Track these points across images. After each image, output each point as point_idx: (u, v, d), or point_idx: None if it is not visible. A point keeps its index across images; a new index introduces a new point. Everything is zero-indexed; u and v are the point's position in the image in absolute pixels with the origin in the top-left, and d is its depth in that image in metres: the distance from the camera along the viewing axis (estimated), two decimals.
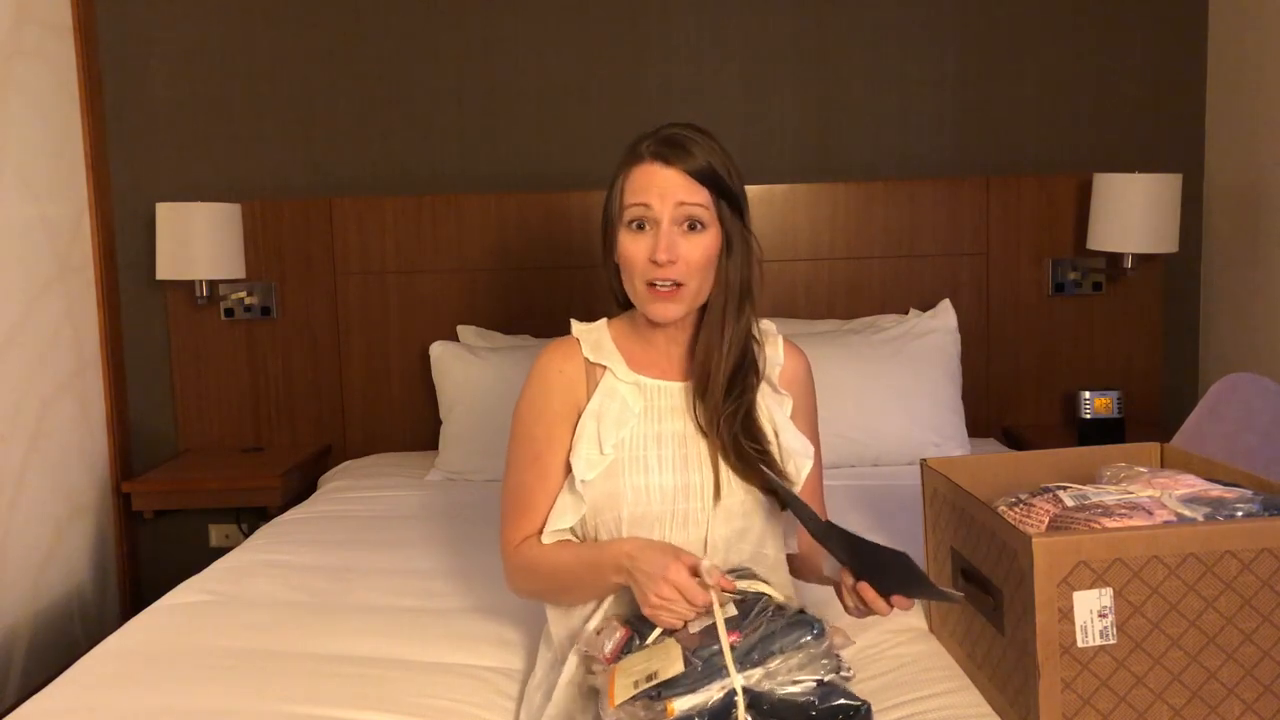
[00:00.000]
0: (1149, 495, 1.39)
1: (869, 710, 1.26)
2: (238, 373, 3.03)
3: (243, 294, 3.00)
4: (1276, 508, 1.32)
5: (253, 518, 2.93)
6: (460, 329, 2.94)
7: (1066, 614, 1.25)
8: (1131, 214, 2.74)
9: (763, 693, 1.22)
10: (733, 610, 1.28)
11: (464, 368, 2.77)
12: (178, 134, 3.02)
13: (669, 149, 1.39)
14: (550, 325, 2.90)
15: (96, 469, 2.91)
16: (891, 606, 1.30)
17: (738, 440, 1.42)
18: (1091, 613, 1.25)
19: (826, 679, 1.24)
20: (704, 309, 1.45)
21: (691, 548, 1.41)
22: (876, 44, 2.99)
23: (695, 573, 1.29)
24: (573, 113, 3.01)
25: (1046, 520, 1.40)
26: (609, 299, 1.53)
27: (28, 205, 2.65)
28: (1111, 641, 1.25)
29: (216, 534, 3.08)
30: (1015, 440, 2.91)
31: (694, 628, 1.28)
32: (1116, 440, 2.68)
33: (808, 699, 1.22)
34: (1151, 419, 2.97)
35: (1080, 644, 1.25)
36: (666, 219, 1.38)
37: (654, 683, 1.22)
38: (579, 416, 1.47)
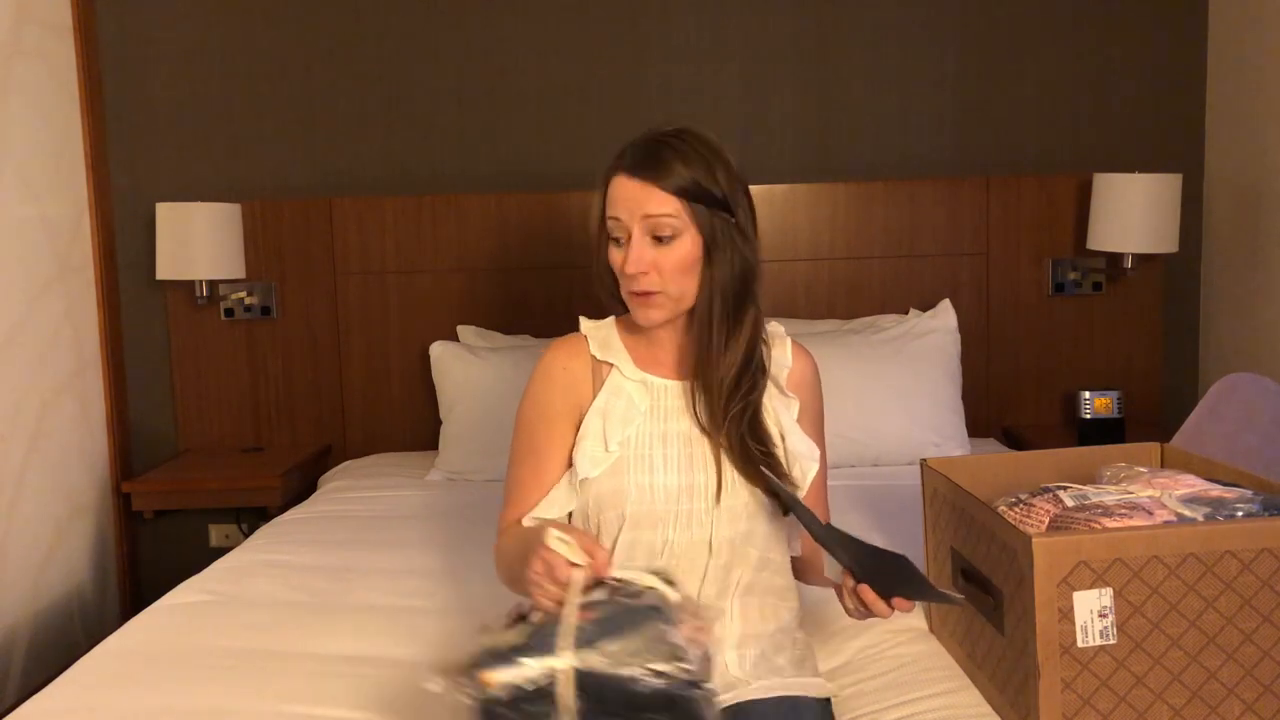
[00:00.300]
0: (1149, 495, 1.39)
1: (704, 701, 1.14)
2: (238, 373, 3.03)
3: (243, 294, 3.00)
4: (1276, 508, 1.32)
5: (253, 518, 2.93)
6: (460, 329, 2.94)
7: (1066, 614, 1.25)
8: (1131, 214, 2.74)
9: (589, 672, 1.12)
10: (600, 596, 1.18)
11: (464, 368, 2.77)
12: (178, 134, 3.02)
13: (637, 159, 1.39)
14: (550, 325, 2.90)
15: (96, 469, 2.91)
16: (893, 609, 1.29)
17: (744, 441, 1.41)
18: (1091, 613, 1.25)
19: (663, 668, 1.11)
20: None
21: (695, 549, 1.40)
22: (876, 44, 2.99)
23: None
24: (573, 113, 3.01)
25: (1046, 520, 1.40)
26: (604, 299, 1.52)
27: (28, 205, 2.65)
28: (1111, 641, 1.25)
29: (216, 534, 3.08)
30: (1015, 440, 2.91)
31: None
32: (1116, 440, 2.68)
33: (638, 684, 1.12)
34: (1151, 419, 2.97)
35: (1080, 644, 1.25)
36: (636, 231, 1.38)
37: (485, 652, 1.14)
38: (581, 414, 1.47)
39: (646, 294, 1.39)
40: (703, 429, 1.43)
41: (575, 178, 2.98)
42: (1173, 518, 1.33)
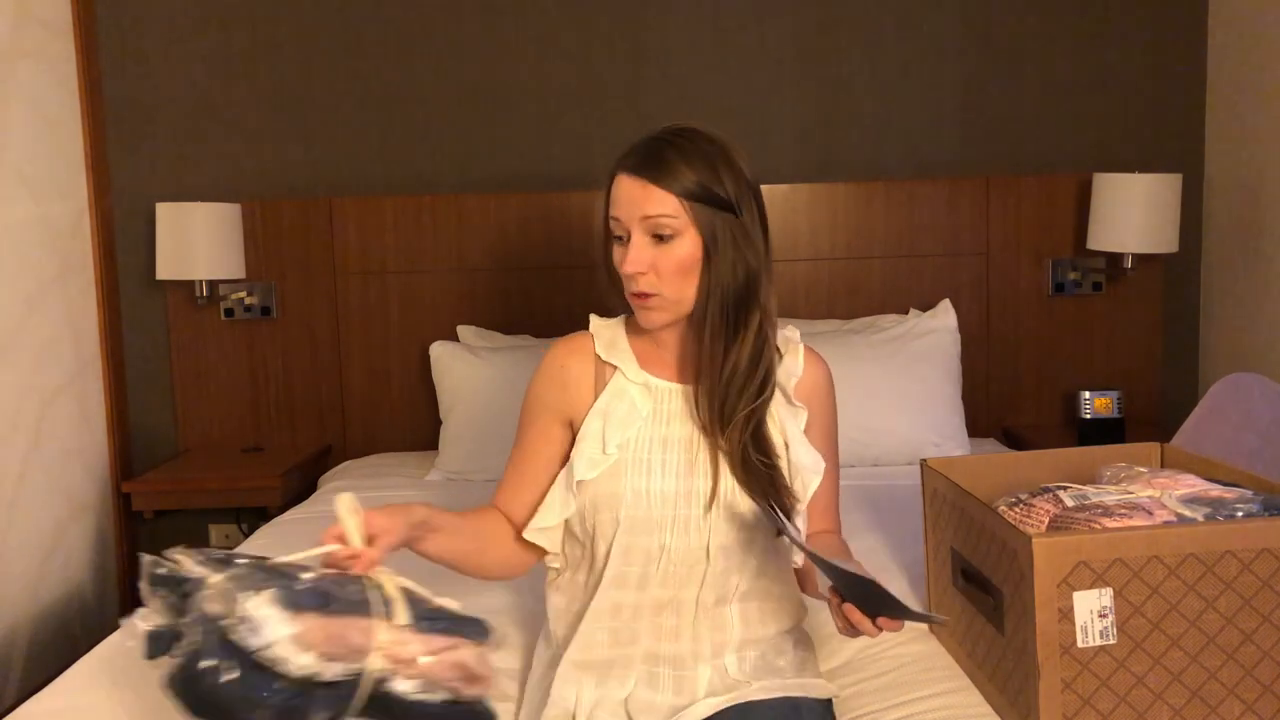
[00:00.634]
0: (1149, 495, 1.39)
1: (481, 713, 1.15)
2: (238, 373, 3.03)
3: (243, 294, 3.00)
4: (1276, 508, 1.32)
5: (253, 518, 2.93)
6: (460, 329, 2.94)
7: (1066, 614, 1.25)
8: (1131, 214, 2.74)
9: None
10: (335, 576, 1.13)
11: (464, 368, 2.77)
12: (178, 134, 3.02)
13: (638, 158, 1.38)
14: (550, 325, 2.90)
15: (96, 469, 2.91)
16: (879, 629, 1.26)
17: (746, 450, 1.39)
18: (1091, 613, 1.25)
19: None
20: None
21: (692, 555, 1.39)
22: (876, 44, 2.99)
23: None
24: (573, 113, 3.01)
25: (1046, 520, 1.40)
26: (610, 299, 1.51)
27: (28, 205, 2.65)
28: (1111, 641, 1.25)
29: (216, 534, 3.08)
30: (1015, 440, 2.91)
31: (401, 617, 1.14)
32: (1116, 440, 2.68)
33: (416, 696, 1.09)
34: (1151, 419, 2.97)
35: (1080, 644, 1.25)
36: (635, 231, 1.37)
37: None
38: (577, 413, 1.46)
39: (644, 296, 1.39)
40: (705, 434, 1.42)
41: (575, 178, 2.98)
42: (1173, 518, 1.33)
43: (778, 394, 1.45)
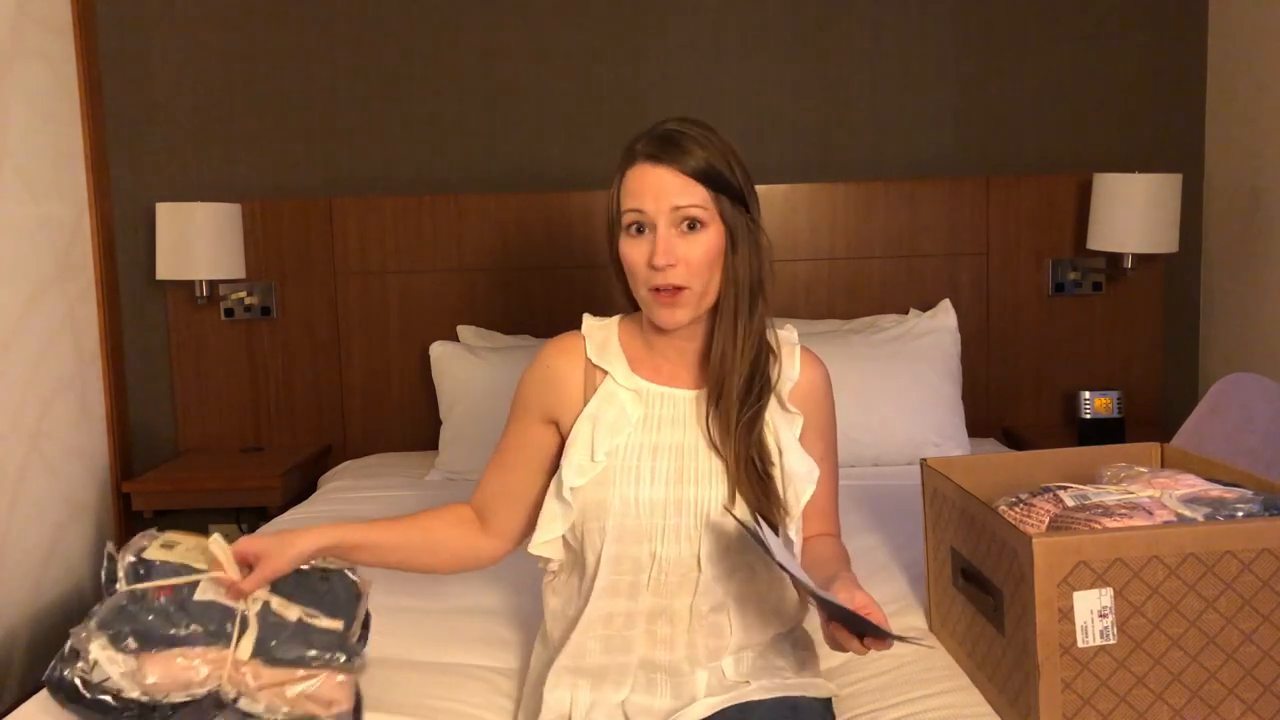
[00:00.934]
0: (1149, 495, 1.39)
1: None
2: (238, 373, 3.03)
3: (243, 294, 3.00)
4: (1276, 508, 1.32)
5: (253, 518, 2.93)
6: (460, 329, 2.94)
7: (1066, 614, 1.25)
8: (1131, 214, 2.74)
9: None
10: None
11: (464, 368, 2.77)
12: (178, 134, 3.02)
13: (662, 148, 1.35)
14: (550, 325, 2.87)
15: (96, 469, 2.91)
16: (867, 648, 1.25)
17: (749, 453, 1.38)
18: (1092, 613, 1.25)
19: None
20: (714, 312, 1.40)
21: (684, 564, 1.38)
22: (876, 43, 2.99)
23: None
24: (573, 113, 3.01)
25: (1046, 520, 1.39)
26: (610, 299, 1.50)
27: (28, 205, 2.65)
28: (1111, 641, 1.25)
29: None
30: (1015, 440, 2.91)
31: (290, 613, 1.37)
32: (1116, 440, 2.68)
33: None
34: (1151, 419, 2.97)
35: (1080, 644, 1.25)
36: (663, 222, 1.34)
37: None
38: (564, 416, 1.44)
39: (675, 291, 1.35)
40: (709, 440, 1.40)
41: (575, 178, 2.98)
42: (1173, 518, 1.33)
43: (772, 400, 1.43)
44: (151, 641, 1.30)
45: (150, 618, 1.31)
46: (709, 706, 1.37)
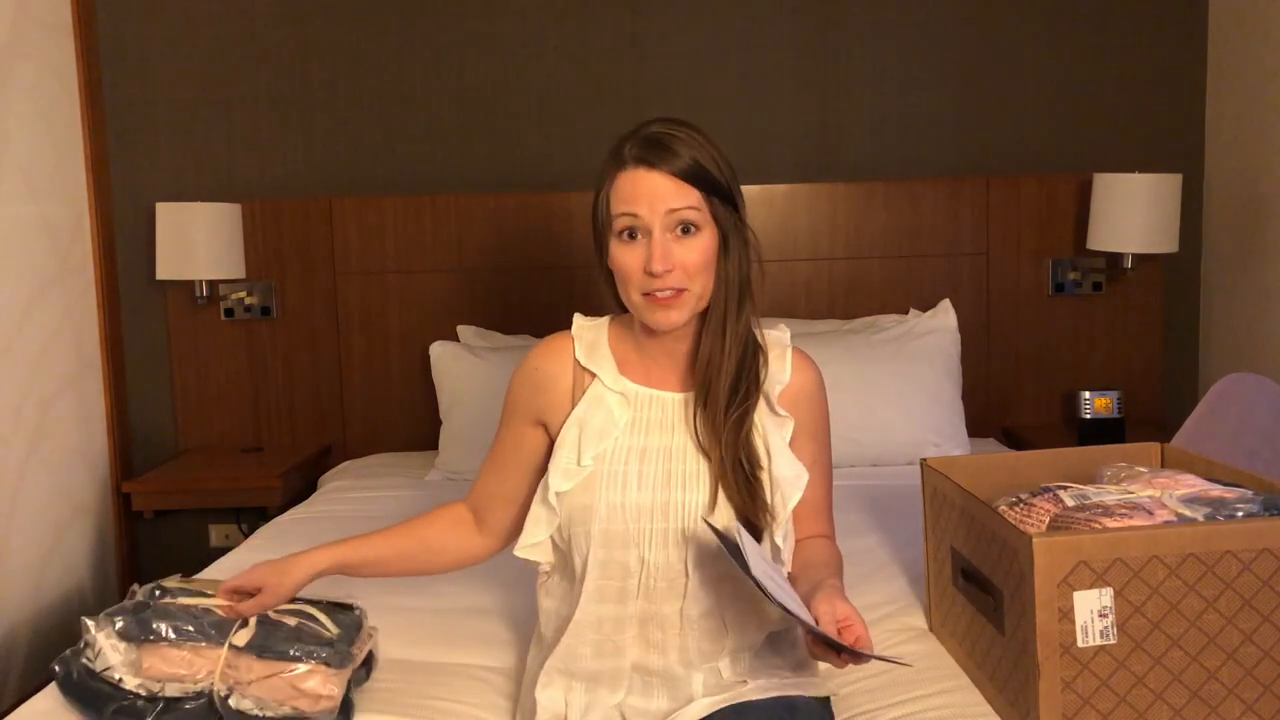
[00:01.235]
0: (1149, 495, 1.39)
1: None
2: (238, 373, 3.03)
3: (243, 294, 3.00)
4: (1276, 508, 1.32)
5: (253, 518, 2.92)
6: (460, 329, 2.94)
7: (1066, 614, 1.25)
8: (1131, 214, 2.74)
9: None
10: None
11: (464, 368, 2.77)
12: (178, 134, 3.02)
13: (652, 150, 1.33)
14: (550, 325, 2.83)
15: (96, 469, 2.91)
16: (845, 663, 1.24)
17: (737, 456, 1.37)
18: (1092, 613, 1.25)
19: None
20: (704, 313, 1.39)
21: (672, 569, 1.37)
22: (876, 44, 2.99)
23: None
24: (572, 113, 3.01)
25: (1046, 520, 1.39)
26: (609, 300, 1.50)
27: (28, 205, 2.65)
28: (1111, 641, 1.25)
29: (216, 534, 3.08)
30: (1015, 440, 2.91)
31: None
32: (1116, 440, 2.68)
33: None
34: (1151, 419, 2.97)
35: (1080, 644, 1.25)
36: (658, 227, 1.32)
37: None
38: (553, 418, 1.44)
39: (675, 293, 1.33)
40: (696, 443, 1.39)
41: (575, 178, 2.98)
42: (1173, 518, 1.33)
43: (761, 403, 1.41)
44: (152, 634, 1.38)
45: (156, 615, 1.40)
46: (706, 706, 1.36)
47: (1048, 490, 1.45)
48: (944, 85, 3.00)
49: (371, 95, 3.01)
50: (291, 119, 3.02)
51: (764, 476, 1.38)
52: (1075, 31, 2.98)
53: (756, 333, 1.43)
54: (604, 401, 1.41)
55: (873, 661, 1.24)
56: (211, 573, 2.05)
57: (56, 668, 1.43)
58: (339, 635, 1.43)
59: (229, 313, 3.00)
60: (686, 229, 1.34)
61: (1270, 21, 2.70)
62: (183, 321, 3.01)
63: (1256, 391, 1.85)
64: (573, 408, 1.43)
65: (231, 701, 1.36)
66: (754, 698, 1.36)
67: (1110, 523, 1.32)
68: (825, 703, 1.42)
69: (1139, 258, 2.85)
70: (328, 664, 1.38)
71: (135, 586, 1.50)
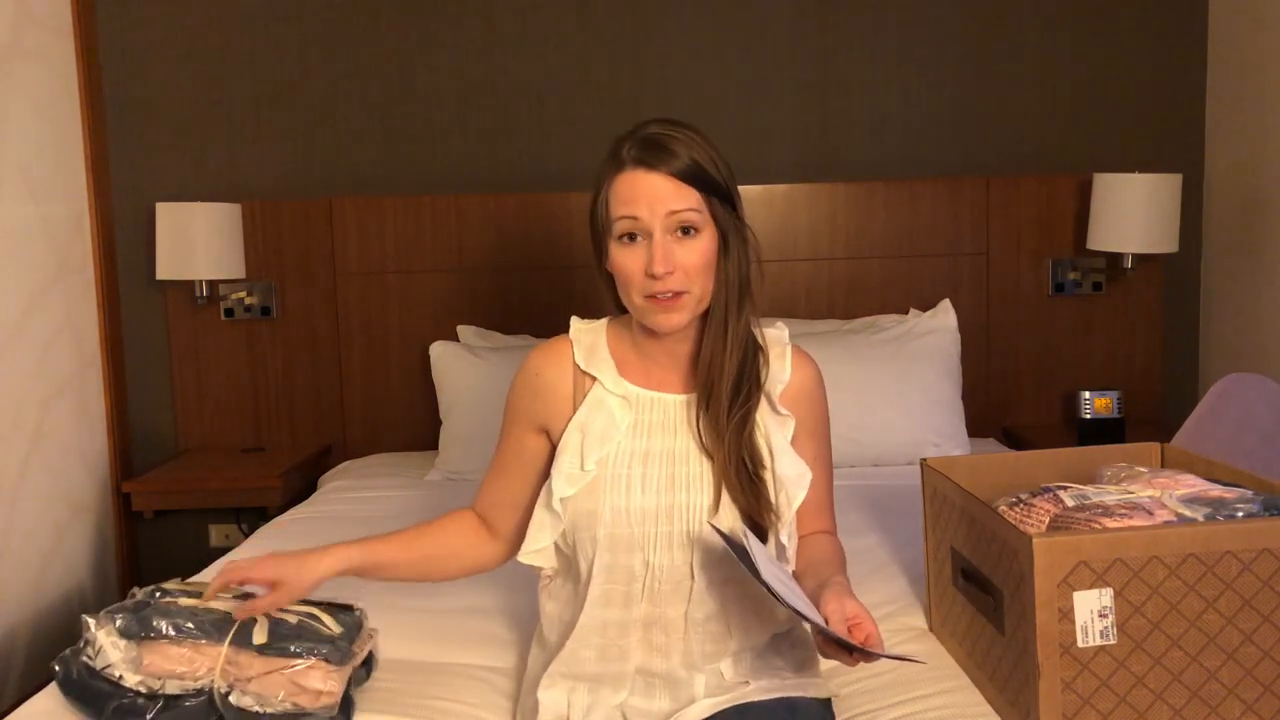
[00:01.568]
0: (1149, 495, 1.39)
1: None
2: (238, 373, 3.03)
3: (243, 294, 3.00)
4: (1276, 508, 1.32)
5: (253, 518, 2.93)
6: (460, 329, 2.94)
7: (1066, 614, 1.25)
8: (1131, 214, 2.74)
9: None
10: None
11: (464, 368, 2.77)
12: (178, 134, 3.02)
13: (651, 152, 1.33)
14: (550, 325, 2.85)
15: (96, 469, 2.91)
16: (856, 661, 1.24)
17: (741, 455, 1.36)
18: (1092, 613, 1.25)
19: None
20: (705, 314, 1.39)
21: (678, 572, 1.37)
22: (876, 44, 2.99)
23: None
24: (573, 113, 3.01)
25: (1046, 520, 1.39)
26: (608, 302, 1.49)
27: (28, 205, 2.65)
28: (1112, 641, 1.25)
29: (216, 534, 3.08)
30: (1015, 440, 2.91)
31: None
32: (1116, 440, 2.68)
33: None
34: (1151, 419, 2.97)
35: (1080, 644, 1.25)
36: (658, 229, 1.32)
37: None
38: (555, 423, 1.43)
39: (676, 295, 1.33)
40: (700, 444, 1.39)
41: (575, 178, 2.98)
42: (1173, 518, 1.33)
43: (763, 402, 1.41)
44: (152, 631, 1.38)
45: (156, 613, 1.40)
46: (708, 708, 1.36)
47: (1048, 490, 1.45)
48: (944, 85, 3.00)
49: (371, 95, 3.01)
50: (291, 119, 3.02)
51: (768, 476, 1.38)
52: (1075, 31, 2.98)
53: (756, 332, 1.43)
54: (605, 405, 1.41)
55: (881, 660, 1.24)
56: (211, 574, 2.05)
57: (56, 667, 1.42)
58: (340, 634, 1.43)
59: (229, 313, 3.00)
60: (687, 230, 1.34)
61: (1270, 22, 2.70)
62: (183, 321, 3.01)
63: (1256, 391, 1.85)
64: (574, 412, 1.42)
65: (232, 698, 1.36)
66: (756, 699, 1.36)
67: (1110, 523, 1.32)
68: (826, 704, 1.42)
69: (1139, 258, 2.85)
70: (328, 660, 1.38)
71: (135, 589, 1.50)
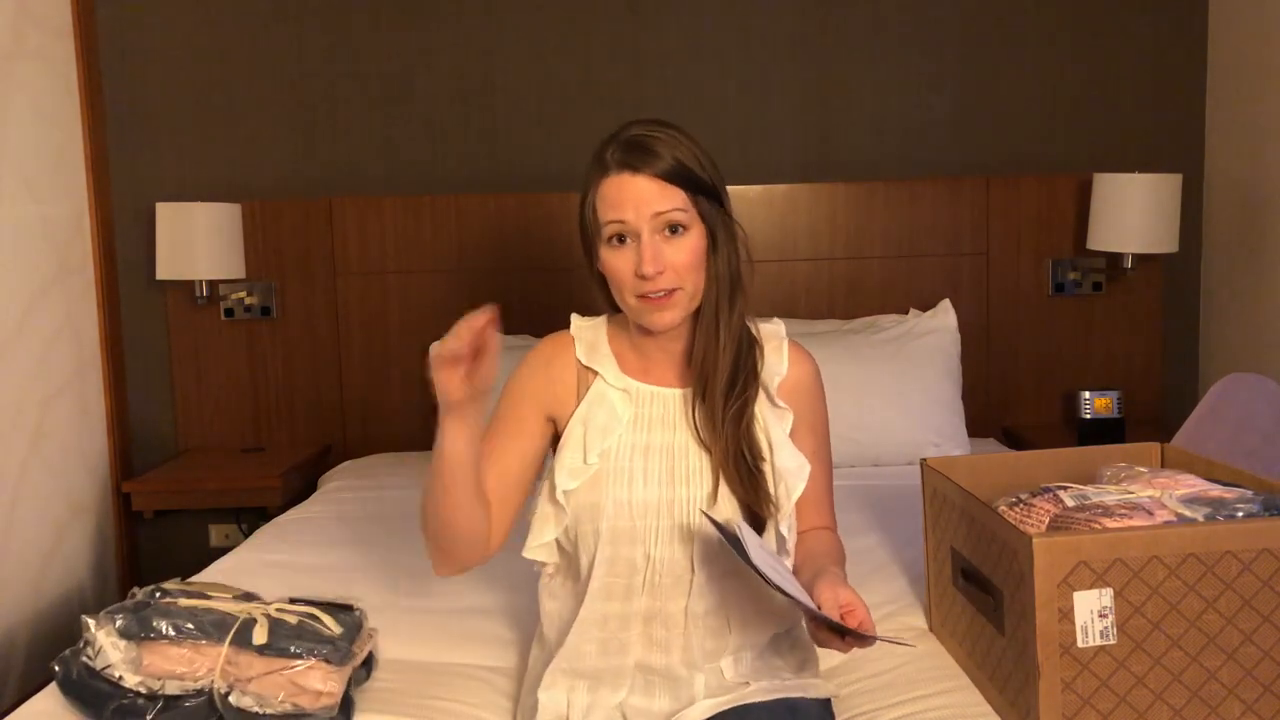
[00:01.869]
0: (1149, 495, 1.39)
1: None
2: (238, 373, 3.03)
3: (243, 294, 3.00)
4: (1276, 508, 1.32)
5: (253, 518, 2.92)
6: None
7: (1066, 614, 1.25)
8: (1131, 214, 2.74)
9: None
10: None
11: None
12: (178, 134, 3.02)
13: (634, 154, 1.35)
14: (550, 325, 2.84)
15: (96, 469, 2.91)
16: (849, 646, 1.24)
17: (739, 448, 1.37)
18: (1092, 613, 1.25)
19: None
20: (698, 310, 1.40)
21: (678, 565, 1.37)
22: (876, 44, 2.99)
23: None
24: (573, 113, 3.01)
25: (1046, 520, 1.40)
26: (602, 302, 1.50)
27: (28, 205, 2.65)
28: (1111, 642, 1.25)
29: (216, 534, 3.08)
30: (1015, 440, 2.91)
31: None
32: (1116, 440, 2.68)
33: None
34: (1151, 419, 2.97)
35: (1080, 644, 1.25)
36: (646, 230, 1.34)
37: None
38: (558, 414, 1.44)
39: (668, 293, 1.35)
40: (697, 438, 1.40)
41: (575, 178, 2.93)
42: (1173, 518, 1.33)
43: (761, 395, 1.43)
44: (152, 632, 1.39)
45: (156, 613, 1.41)
46: (708, 708, 1.36)
47: (1048, 490, 1.45)
48: (944, 85, 3.00)
49: (371, 95, 3.01)
50: (291, 119, 3.02)
51: (767, 469, 1.39)
52: (1075, 31, 2.98)
53: (751, 326, 1.45)
54: (607, 399, 1.42)
55: (881, 660, 1.24)
56: (211, 574, 2.05)
57: (56, 667, 1.43)
58: (340, 634, 1.44)
59: (229, 313, 3.00)
60: (674, 229, 1.35)
61: (1270, 22, 2.70)
62: (183, 321, 3.01)
63: (1256, 391, 1.85)
64: (576, 406, 1.43)
65: (232, 699, 1.36)
66: (756, 699, 1.36)
67: (1110, 523, 1.32)
68: (826, 704, 1.43)
69: (1139, 258, 2.85)
70: (328, 660, 1.39)
71: (135, 589, 1.50)
